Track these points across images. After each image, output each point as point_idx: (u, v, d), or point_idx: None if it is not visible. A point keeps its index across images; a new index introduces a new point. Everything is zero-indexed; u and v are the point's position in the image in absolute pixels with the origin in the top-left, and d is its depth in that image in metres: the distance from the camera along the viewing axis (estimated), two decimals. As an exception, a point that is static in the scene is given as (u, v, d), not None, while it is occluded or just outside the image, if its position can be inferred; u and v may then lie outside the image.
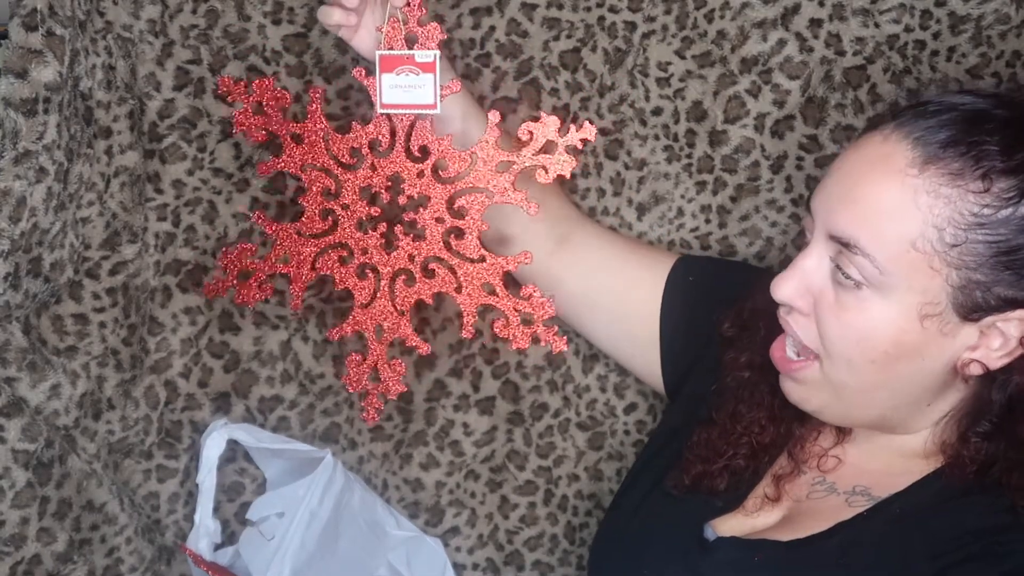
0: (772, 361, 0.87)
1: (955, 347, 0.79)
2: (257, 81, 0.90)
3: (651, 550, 0.91)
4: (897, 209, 0.77)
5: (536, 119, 0.86)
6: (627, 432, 1.18)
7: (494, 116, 0.86)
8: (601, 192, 1.11)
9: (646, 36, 1.07)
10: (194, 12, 1.00)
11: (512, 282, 0.98)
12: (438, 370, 1.15)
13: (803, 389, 0.86)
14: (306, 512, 1.04)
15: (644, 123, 1.09)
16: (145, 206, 1.03)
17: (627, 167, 1.10)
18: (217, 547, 1.10)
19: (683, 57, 1.07)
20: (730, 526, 0.88)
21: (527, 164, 0.86)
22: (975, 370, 0.79)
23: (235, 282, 0.94)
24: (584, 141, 0.84)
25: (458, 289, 0.89)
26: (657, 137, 1.10)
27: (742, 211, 1.11)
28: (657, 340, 1.02)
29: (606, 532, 1.01)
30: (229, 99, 0.91)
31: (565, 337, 0.88)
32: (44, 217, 0.87)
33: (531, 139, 0.85)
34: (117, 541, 1.01)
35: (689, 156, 1.10)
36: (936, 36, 1.04)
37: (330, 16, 0.89)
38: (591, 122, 0.86)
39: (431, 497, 1.17)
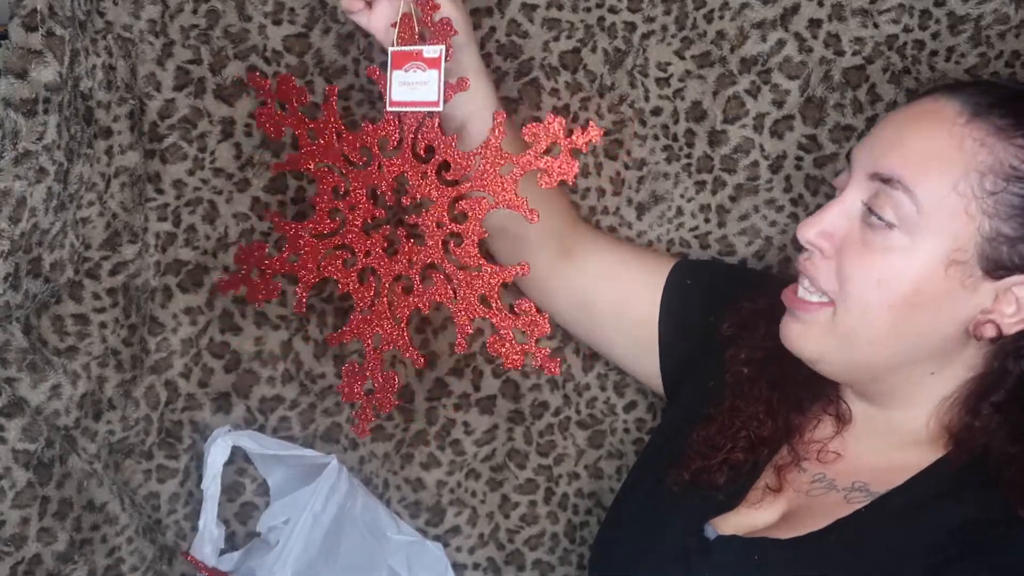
0: (785, 303, 0.87)
1: (972, 304, 0.80)
2: (280, 77, 0.91)
3: (652, 549, 0.91)
4: (943, 152, 0.79)
5: (539, 120, 0.82)
6: (627, 430, 1.19)
7: (499, 116, 0.83)
8: (601, 192, 1.11)
9: (646, 36, 1.07)
10: (195, 12, 1.00)
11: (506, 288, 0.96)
12: (439, 369, 1.15)
13: (806, 330, 0.85)
14: (309, 516, 1.04)
15: (644, 123, 1.09)
16: (145, 206, 1.03)
17: (627, 167, 1.11)
18: (221, 552, 1.10)
19: (683, 57, 1.07)
20: (731, 524, 0.88)
21: (530, 168, 0.82)
22: (989, 331, 0.80)
23: (249, 278, 0.94)
24: (587, 144, 0.80)
25: (453, 299, 0.86)
26: (657, 137, 1.10)
27: (741, 211, 1.11)
28: (656, 344, 1.03)
29: (607, 532, 1.01)
30: (257, 95, 0.92)
31: (558, 359, 0.84)
32: (44, 217, 0.87)
33: (535, 142, 0.81)
34: (118, 541, 1.01)
35: (688, 156, 1.10)
36: (935, 36, 1.04)
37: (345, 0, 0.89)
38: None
39: (432, 496, 1.18)
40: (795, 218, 1.10)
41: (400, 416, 1.16)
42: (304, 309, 0.93)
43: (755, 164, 1.09)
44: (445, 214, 0.86)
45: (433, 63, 0.82)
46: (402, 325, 0.88)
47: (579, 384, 1.17)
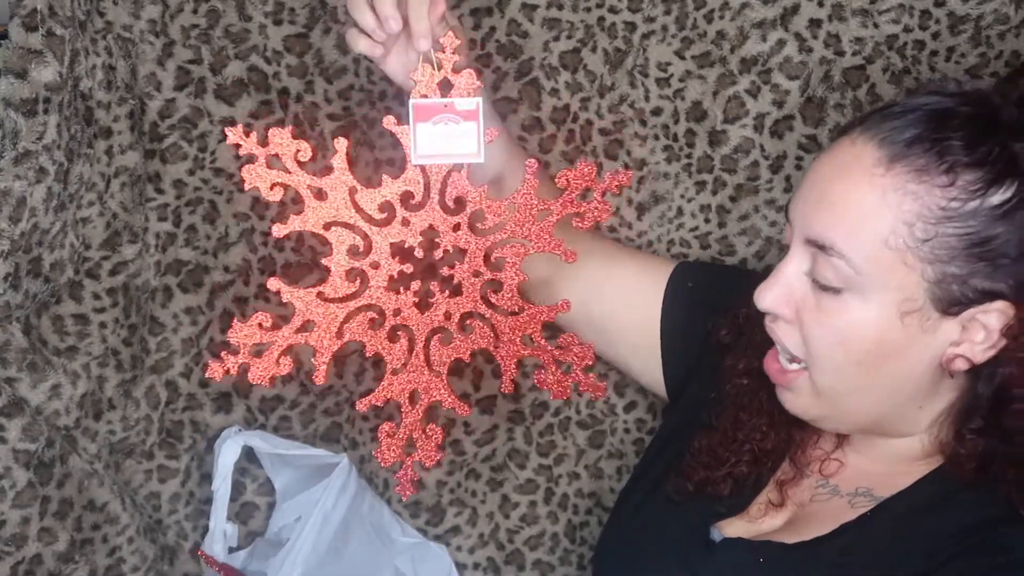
0: (768, 375, 0.87)
1: (937, 343, 0.79)
2: (273, 130, 0.80)
3: (656, 551, 0.91)
4: (867, 209, 0.77)
5: (572, 166, 0.83)
6: (627, 430, 1.19)
7: (532, 165, 0.82)
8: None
9: (646, 36, 1.07)
10: (195, 12, 1.00)
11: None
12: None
13: (799, 399, 0.86)
14: (320, 515, 1.04)
15: (644, 123, 1.09)
16: (146, 206, 1.03)
17: (627, 167, 1.10)
18: (231, 550, 1.10)
19: (683, 57, 1.07)
20: (735, 528, 0.89)
21: (566, 212, 0.83)
22: (960, 365, 0.79)
23: (248, 359, 0.82)
24: (620, 187, 0.82)
25: (496, 344, 0.85)
26: (657, 137, 1.10)
27: (741, 211, 1.11)
28: (658, 347, 1.02)
29: (610, 533, 1.01)
30: (239, 153, 0.79)
31: (604, 384, 0.86)
32: (44, 217, 0.88)
33: (568, 186, 0.82)
34: (119, 541, 1.02)
35: (689, 156, 1.10)
36: (935, 36, 1.04)
37: (356, 43, 0.86)
38: (627, 167, 0.83)
39: (432, 497, 1.18)
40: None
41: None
42: (325, 380, 0.85)
43: (755, 164, 1.09)
44: (482, 263, 0.84)
45: (470, 116, 0.80)
46: (443, 378, 0.85)
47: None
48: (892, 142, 0.77)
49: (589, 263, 1.03)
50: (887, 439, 0.86)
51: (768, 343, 0.89)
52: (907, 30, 1.04)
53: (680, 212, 1.11)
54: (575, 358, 0.85)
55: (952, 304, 0.77)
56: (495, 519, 1.20)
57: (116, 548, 1.01)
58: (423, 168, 0.82)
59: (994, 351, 0.78)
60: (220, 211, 1.06)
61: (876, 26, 1.04)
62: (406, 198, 0.83)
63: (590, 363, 0.85)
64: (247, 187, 0.80)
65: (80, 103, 0.92)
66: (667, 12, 1.06)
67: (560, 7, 1.06)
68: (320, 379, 0.83)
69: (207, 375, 0.82)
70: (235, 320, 0.82)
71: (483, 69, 1.07)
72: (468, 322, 0.85)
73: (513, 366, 0.85)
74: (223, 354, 0.82)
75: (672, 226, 1.12)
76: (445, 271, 0.84)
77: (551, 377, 0.85)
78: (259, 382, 0.83)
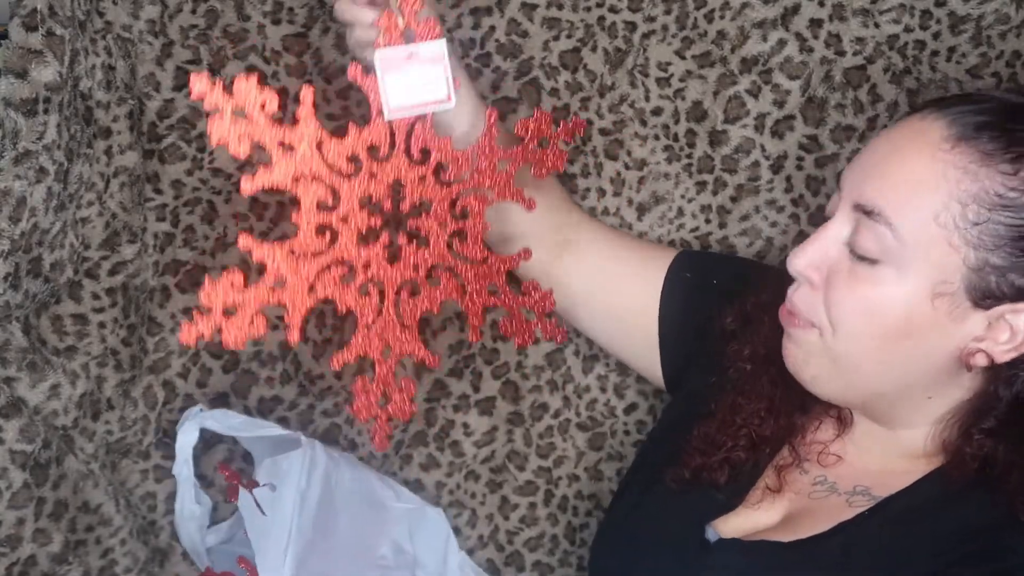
0: (779, 317, 0.87)
1: (962, 334, 0.79)
2: (238, 79, 0.76)
3: (652, 550, 0.91)
4: (924, 181, 0.77)
5: (530, 116, 0.86)
6: (627, 432, 1.18)
7: (492, 115, 0.84)
8: (601, 192, 1.11)
9: (646, 36, 1.07)
10: (194, 12, 1.00)
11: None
12: (438, 370, 1.14)
13: (801, 353, 0.85)
14: (296, 494, 1.02)
15: (644, 123, 1.09)
16: (144, 206, 1.03)
17: (627, 167, 1.10)
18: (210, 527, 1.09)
19: (683, 57, 1.07)
20: (732, 526, 0.88)
21: (523, 161, 0.86)
22: (980, 361, 0.79)
23: (222, 320, 0.80)
24: (571, 135, 0.86)
25: (463, 294, 0.87)
26: (657, 137, 1.10)
27: (742, 211, 1.11)
28: (656, 337, 1.02)
29: (606, 532, 1.01)
30: (205, 107, 0.76)
31: (564, 328, 0.90)
32: (44, 217, 0.87)
33: (527, 135, 0.85)
34: (112, 543, 1.01)
35: (689, 156, 1.10)
36: (936, 36, 1.04)
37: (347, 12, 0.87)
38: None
39: (431, 498, 1.17)
40: (796, 219, 1.10)
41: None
42: (299, 338, 0.84)
43: (756, 164, 1.09)
44: (447, 214, 0.85)
45: (435, 59, 0.81)
46: (414, 331, 0.86)
47: (579, 386, 1.17)
48: (962, 123, 0.77)
49: (587, 251, 1.03)
50: (889, 430, 0.86)
51: (774, 335, 0.89)
52: (908, 30, 1.04)
53: (680, 212, 1.11)
54: (536, 305, 0.89)
55: (986, 296, 0.77)
56: (494, 521, 1.19)
57: (109, 550, 1.01)
58: (390, 120, 0.82)
59: (1016, 353, 0.78)
60: (218, 211, 1.05)
61: (877, 26, 1.04)
62: (373, 150, 0.82)
63: (550, 309, 0.89)
64: (214, 143, 0.77)
65: (80, 103, 0.92)
66: (667, 12, 1.06)
67: (560, 7, 1.06)
68: (294, 337, 0.82)
69: (179, 340, 0.79)
70: (207, 279, 0.79)
71: (483, 69, 1.07)
72: (435, 274, 0.86)
73: (480, 314, 0.87)
74: (195, 314, 0.79)
75: (672, 226, 1.12)
76: (412, 223, 0.85)
77: (515, 324, 0.89)
78: (233, 345, 0.81)
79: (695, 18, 1.06)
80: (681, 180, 1.10)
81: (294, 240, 0.81)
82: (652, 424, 1.18)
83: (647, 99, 1.09)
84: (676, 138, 1.09)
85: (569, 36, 1.07)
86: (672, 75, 1.08)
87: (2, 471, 0.89)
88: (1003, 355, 0.78)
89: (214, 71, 1.02)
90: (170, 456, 1.09)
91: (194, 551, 1.08)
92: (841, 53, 1.05)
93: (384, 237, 0.84)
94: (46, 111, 0.85)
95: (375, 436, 0.86)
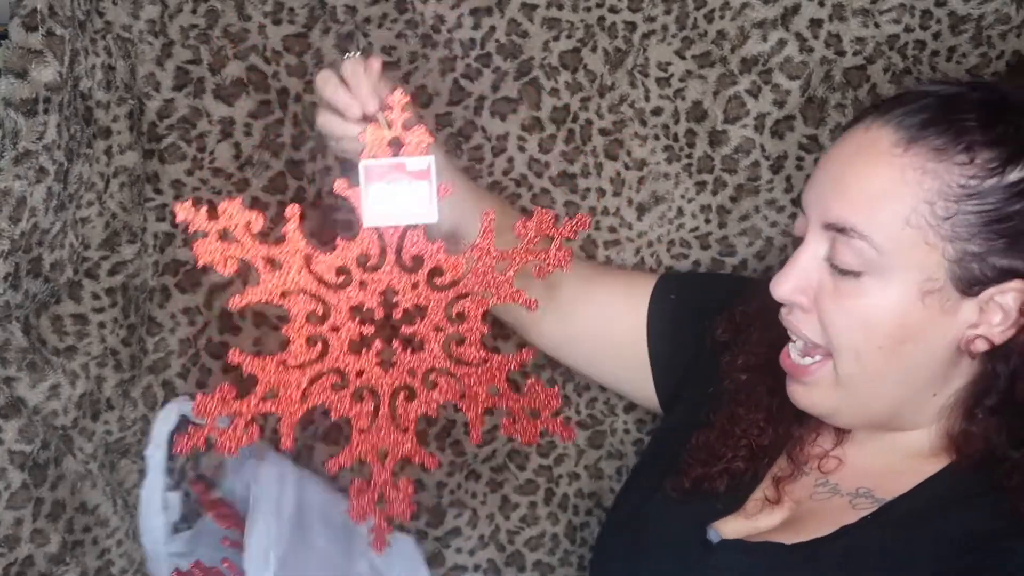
0: (784, 370, 0.87)
1: (957, 325, 0.79)
2: (223, 204, 0.79)
3: (653, 552, 0.91)
4: (887, 189, 0.78)
5: (530, 215, 0.82)
6: (627, 430, 1.18)
7: (487, 216, 0.82)
8: (601, 192, 1.11)
9: (646, 36, 1.07)
10: (194, 12, 1.00)
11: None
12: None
13: (815, 392, 0.85)
14: (273, 502, 1.01)
15: (644, 123, 1.09)
16: (144, 206, 1.03)
17: (627, 167, 1.10)
18: (176, 528, 1.06)
19: (683, 57, 1.07)
20: (733, 528, 0.88)
21: (524, 262, 0.82)
22: (980, 346, 0.79)
23: (214, 432, 0.82)
24: (576, 232, 0.82)
25: (461, 397, 0.85)
26: (657, 137, 1.10)
27: (742, 211, 1.11)
28: (647, 362, 1.02)
29: (608, 535, 1.01)
30: (189, 230, 0.78)
31: (572, 427, 0.85)
32: (44, 217, 0.87)
33: (525, 235, 0.82)
34: (108, 543, 1.02)
35: (689, 156, 1.10)
36: (936, 36, 1.04)
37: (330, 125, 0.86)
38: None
39: (432, 498, 1.17)
40: (796, 219, 1.10)
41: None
42: (292, 445, 0.84)
43: (756, 164, 1.09)
44: (443, 318, 0.84)
45: (421, 175, 0.80)
46: (411, 434, 0.85)
47: (579, 384, 1.17)
48: (908, 125, 0.78)
49: (572, 294, 1.02)
50: (893, 432, 0.86)
51: (767, 339, 0.89)
52: (908, 30, 1.04)
53: (680, 212, 1.11)
54: (541, 404, 0.84)
55: (972, 283, 0.77)
56: (495, 520, 1.19)
57: (106, 551, 1.01)
58: (378, 228, 0.81)
59: (1013, 331, 0.79)
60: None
61: (877, 26, 1.04)
62: (362, 260, 0.82)
63: (556, 406, 0.84)
64: (200, 263, 0.79)
65: (80, 103, 0.92)
66: (667, 12, 1.06)
67: (560, 7, 1.06)
68: (286, 445, 0.83)
69: (175, 451, 0.83)
70: (199, 395, 0.81)
71: (483, 69, 1.07)
72: (432, 377, 0.84)
73: (480, 418, 0.84)
74: (190, 429, 0.82)
75: (672, 226, 1.12)
76: (405, 330, 0.83)
77: (519, 425, 0.84)
78: (228, 453, 0.82)
79: (695, 18, 1.06)
80: (681, 180, 1.10)
81: (285, 353, 0.82)
82: (652, 422, 1.18)
83: (647, 99, 1.09)
84: (676, 138, 1.09)
85: (569, 36, 1.07)
86: (672, 75, 1.08)
87: (1, 471, 0.89)
88: (1000, 336, 0.79)
89: (214, 71, 1.02)
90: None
91: (154, 554, 1.05)
92: (841, 53, 1.05)
93: (378, 345, 0.83)
94: (46, 111, 0.85)
95: (374, 537, 0.84)
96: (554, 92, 1.09)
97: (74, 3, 0.88)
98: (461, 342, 0.84)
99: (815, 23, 1.04)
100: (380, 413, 0.84)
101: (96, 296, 0.98)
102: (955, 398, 0.83)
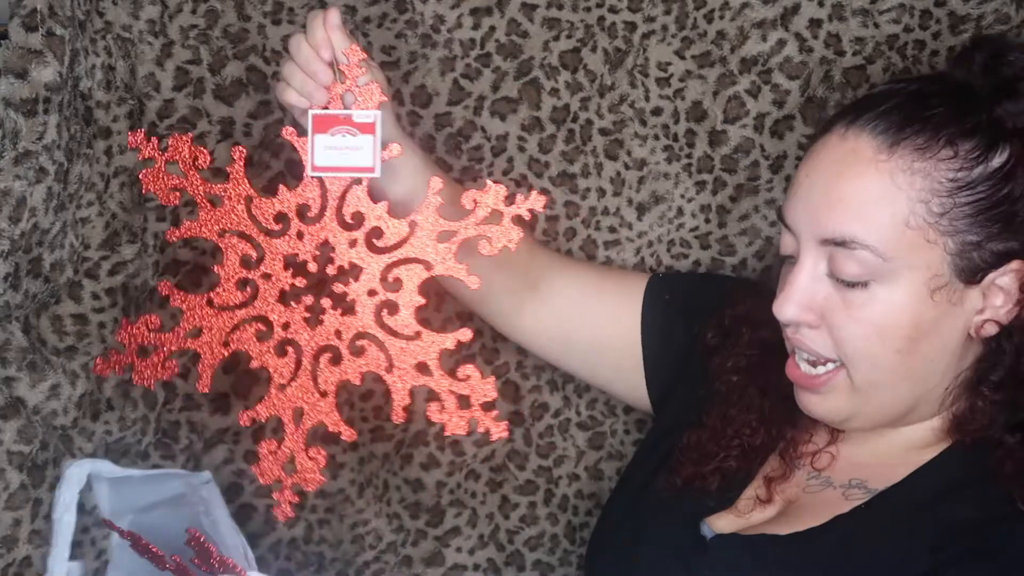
0: (793, 381, 0.87)
1: (965, 314, 0.80)
2: (173, 137, 0.80)
3: (647, 549, 0.91)
4: (881, 195, 0.79)
5: (482, 188, 0.78)
6: (627, 431, 1.18)
7: (436, 182, 0.78)
8: (601, 192, 1.11)
9: (646, 36, 1.07)
10: (194, 12, 1.00)
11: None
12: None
13: (830, 401, 0.85)
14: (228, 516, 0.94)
15: (644, 123, 1.09)
16: (144, 206, 1.03)
17: (627, 167, 1.10)
18: None
19: (683, 57, 1.07)
20: (726, 522, 0.88)
21: (470, 234, 0.78)
22: (991, 329, 0.81)
23: (134, 359, 0.81)
24: (532, 211, 0.76)
25: (389, 368, 0.80)
26: (657, 137, 1.10)
27: (742, 211, 1.11)
28: (640, 362, 1.02)
29: (601, 532, 1.01)
30: (139, 156, 0.80)
31: (506, 423, 0.77)
32: (44, 217, 0.87)
33: (475, 208, 0.77)
34: (106, 544, 1.01)
35: (689, 156, 1.10)
36: (936, 36, 1.04)
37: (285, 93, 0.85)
38: (541, 192, 0.78)
39: (431, 497, 1.17)
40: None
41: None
42: (209, 387, 0.83)
43: (755, 164, 1.09)
44: (378, 282, 0.81)
45: (366, 128, 0.79)
46: (330, 399, 0.81)
47: (579, 385, 1.17)
48: (885, 129, 0.79)
49: (556, 289, 1.02)
50: (897, 429, 0.86)
51: (755, 344, 0.90)
52: (908, 30, 1.04)
53: (680, 212, 1.11)
54: (474, 393, 0.77)
55: (974, 272, 0.79)
56: (495, 520, 1.19)
57: (103, 551, 1.01)
58: (322, 181, 0.80)
59: (1017, 310, 0.80)
60: (219, 211, 1.05)
61: (877, 26, 1.04)
62: (303, 210, 0.81)
63: (490, 399, 0.77)
64: (145, 191, 0.81)
65: (80, 103, 0.92)
66: (667, 12, 1.06)
67: (560, 7, 1.06)
68: (204, 387, 0.82)
69: (94, 371, 0.83)
70: (124, 320, 0.82)
71: (483, 69, 1.07)
72: (360, 343, 0.80)
73: (405, 394, 0.79)
74: (111, 352, 0.82)
75: (672, 226, 1.12)
76: (337, 288, 0.81)
77: (447, 411, 0.78)
78: (143, 383, 0.82)
79: (695, 18, 1.06)
80: (681, 180, 1.11)
81: (213, 292, 0.82)
82: (652, 423, 1.18)
83: (647, 99, 1.09)
84: (676, 138, 1.10)
85: (569, 36, 1.07)
86: (672, 75, 1.08)
87: (-1, 472, 0.90)
88: (1006, 317, 0.81)
89: (214, 71, 1.02)
90: (169, 456, 1.09)
91: None
92: (841, 53, 1.05)
93: (308, 299, 0.81)
94: (46, 111, 0.85)
95: (279, 504, 0.80)
96: (554, 92, 1.09)
97: (74, 3, 0.88)
98: (395, 311, 0.80)
99: (815, 23, 1.04)
100: (301, 369, 0.81)
101: (96, 296, 0.98)
102: (962, 378, 0.83)
